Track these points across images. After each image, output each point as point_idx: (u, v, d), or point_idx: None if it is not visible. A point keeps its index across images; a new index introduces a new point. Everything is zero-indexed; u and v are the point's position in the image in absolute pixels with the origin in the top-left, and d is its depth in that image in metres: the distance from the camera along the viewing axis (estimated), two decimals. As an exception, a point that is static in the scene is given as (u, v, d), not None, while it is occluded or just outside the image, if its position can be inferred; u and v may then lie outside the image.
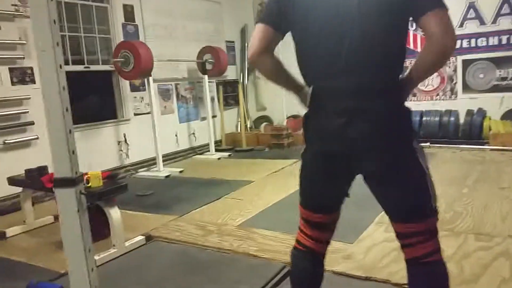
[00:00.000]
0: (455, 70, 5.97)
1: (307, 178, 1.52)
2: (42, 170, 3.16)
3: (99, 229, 2.83)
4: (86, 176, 2.74)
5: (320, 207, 1.53)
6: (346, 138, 1.31)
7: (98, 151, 5.03)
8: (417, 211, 1.35)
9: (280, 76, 1.52)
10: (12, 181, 3.23)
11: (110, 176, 3.03)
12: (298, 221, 1.63)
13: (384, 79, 1.30)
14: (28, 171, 3.15)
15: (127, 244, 2.84)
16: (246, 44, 7.51)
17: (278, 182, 4.38)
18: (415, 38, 6.10)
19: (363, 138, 1.30)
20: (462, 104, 5.91)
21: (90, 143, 4.95)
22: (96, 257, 2.63)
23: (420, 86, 6.17)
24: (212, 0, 6.90)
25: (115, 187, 2.84)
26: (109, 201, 2.76)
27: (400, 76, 1.34)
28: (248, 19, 7.51)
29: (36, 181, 3.01)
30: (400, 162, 1.32)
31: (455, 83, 6.01)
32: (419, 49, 6.09)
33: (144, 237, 2.97)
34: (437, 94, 6.13)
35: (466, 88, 5.94)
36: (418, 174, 1.34)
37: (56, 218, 3.47)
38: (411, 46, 6.14)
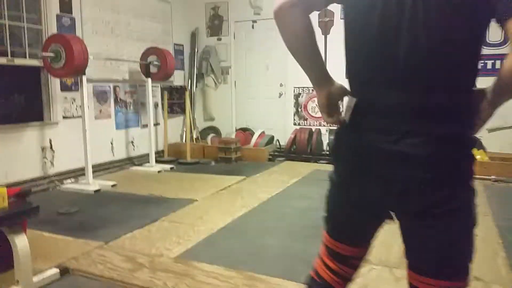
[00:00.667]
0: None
1: (335, 203, 1.27)
2: None
3: (4, 257, 2.26)
4: (-16, 195, 2.17)
5: (348, 237, 1.27)
6: (391, 164, 1.02)
7: (17, 157, 4.34)
8: (456, 266, 1.06)
9: (309, 46, 1.11)
10: None
11: (20, 194, 2.45)
12: (319, 250, 1.37)
13: (451, 97, 0.99)
14: None
15: (35, 279, 2.28)
16: (196, 50, 7.08)
17: (224, 202, 3.97)
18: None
19: (414, 167, 0.99)
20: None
21: (9, 148, 4.26)
22: (-10, 299, 2.07)
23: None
24: (162, -1, 6.41)
25: (23, 209, 2.28)
26: (14, 227, 2.20)
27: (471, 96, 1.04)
28: (199, 22, 7.11)
29: None
30: (455, 203, 1.02)
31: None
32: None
33: (58, 270, 2.43)
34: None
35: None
36: (470, 222, 1.06)
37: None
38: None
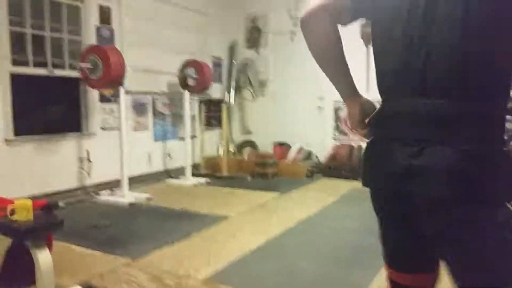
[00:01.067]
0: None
1: (381, 226, 1.14)
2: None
3: (27, 271, 2.17)
4: (10, 205, 2.10)
5: (406, 263, 1.11)
6: (420, 178, 0.93)
7: (55, 168, 4.37)
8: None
9: (336, 56, 1.11)
10: None
11: (47, 206, 2.38)
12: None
13: (486, 106, 0.91)
14: None
15: (57, 298, 2.18)
16: (234, 62, 7.00)
17: (259, 220, 3.77)
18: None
19: (445, 183, 0.90)
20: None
21: (46, 158, 4.29)
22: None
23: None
24: (201, 11, 6.40)
25: (48, 223, 2.19)
26: (37, 241, 2.11)
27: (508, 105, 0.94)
28: (238, 35, 7.03)
29: None
30: (494, 225, 0.90)
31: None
32: None
33: (83, 287, 2.31)
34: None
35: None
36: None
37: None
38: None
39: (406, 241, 1.07)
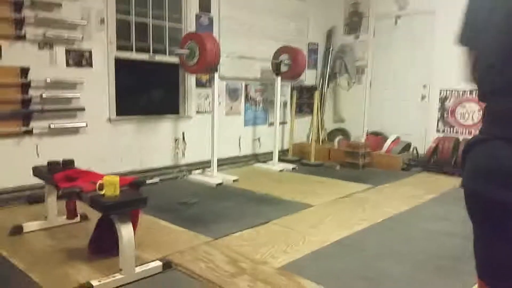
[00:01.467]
0: None
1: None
2: (67, 164, 2.77)
3: (113, 243, 2.34)
4: (99, 181, 2.26)
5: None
6: None
7: (152, 147, 4.66)
8: None
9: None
10: (36, 171, 2.88)
11: (134, 183, 2.52)
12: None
13: None
14: (49, 164, 2.78)
15: (138, 269, 2.30)
16: (331, 48, 6.75)
17: (343, 212, 3.60)
18: None
19: None
20: None
21: (145, 137, 4.60)
22: (96, 282, 2.13)
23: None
24: (298, -4, 6.25)
25: (132, 199, 2.32)
26: (121, 216, 2.24)
27: None
28: (337, 20, 6.75)
29: (51, 177, 2.61)
30: None
31: None
32: None
33: (161, 263, 2.42)
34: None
35: None
36: None
37: (83, 217, 3.09)
38: None
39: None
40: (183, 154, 5.00)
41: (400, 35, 6.15)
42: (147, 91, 4.88)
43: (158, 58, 4.68)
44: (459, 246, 2.86)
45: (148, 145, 4.62)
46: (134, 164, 4.46)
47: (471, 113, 5.53)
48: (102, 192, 2.24)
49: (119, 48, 4.25)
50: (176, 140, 4.92)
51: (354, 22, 6.64)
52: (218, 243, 2.83)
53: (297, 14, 6.29)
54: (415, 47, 5.96)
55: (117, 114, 4.27)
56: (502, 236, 0.90)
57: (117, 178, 2.29)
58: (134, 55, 4.43)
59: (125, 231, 2.22)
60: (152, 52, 4.62)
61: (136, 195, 2.36)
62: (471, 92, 5.47)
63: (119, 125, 4.34)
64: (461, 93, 5.57)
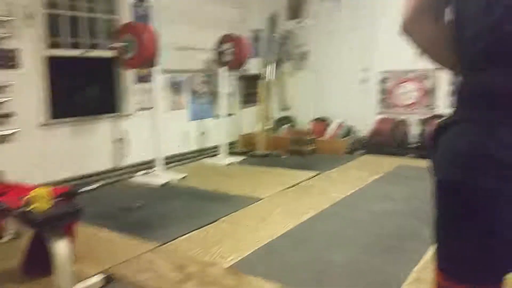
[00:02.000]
0: None
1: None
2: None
3: (47, 261, 2.17)
4: (27, 197, 2.08)
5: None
6: None
7: (90, 150, 4.43)
8: None
9: (442, 50, 0.99)
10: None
11: (67, 194, 2.35)
12: None
13: None
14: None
15: (77, 287, 2.16)
16: (274, 35, 6.71)
17: (291, 202, 3.61)
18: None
19: None
20: None
21: (82, 140, 4.35)
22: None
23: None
24: (236, -17, 6.13)
25: (65, 212, 2.16)
26: (54, 231, 2.09)
27: None
28: (278, 5, 6.68)
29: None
30: None
31: None
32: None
33: (103, 277, 2.29)
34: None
35: None
36: None
37: (15, 235, 2.86)
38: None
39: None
40: (125, 155, 4.79)
41: (342, 18, 6.21)
42: (84, 90, 4.61)
43: (94, 53, 4.42)
44: (403, 224, 2.97)
45: (87, 149, 4.38)
46: (73, 170, 4.21)
47: (410, 93, 5.74)
48: (32, 207, 2.06)
49: (51, 45, 3.95)
50: (116, 140, 4.70)
51: (296, 7, 6.62)
52: (165, 248, 2.73)
53: (238, 0, 6.17)
54: (356, 30, 6.05)
55: (51, 118, 4.00)
56: (484, 230, 0.83)
57: (47, 190, 2.12)
58: (67, 52, 4.14)
59: (59, 247, 2.07)
60: (87, 48, 4.34)
61: (70, 207, 2.20)
62: (409, 72, 5.66)
63: (55, 129, 4.07)
64: (400, 74, 5.75)
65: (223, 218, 3.24)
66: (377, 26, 5.79)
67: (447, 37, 0.94)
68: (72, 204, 2.26)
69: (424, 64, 5.70)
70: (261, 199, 3.70)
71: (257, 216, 3.28)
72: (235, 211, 3.39)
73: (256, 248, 2.68)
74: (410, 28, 0.99)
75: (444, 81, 5.38)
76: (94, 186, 4.21)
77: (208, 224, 3.11)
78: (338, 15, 6.21)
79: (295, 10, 6.63)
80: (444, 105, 5.43)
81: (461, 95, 0.89)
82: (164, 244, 2.78)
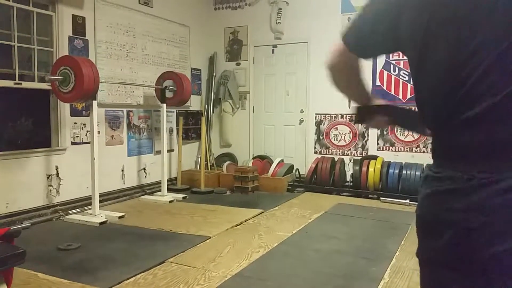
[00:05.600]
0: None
1: None
2: None
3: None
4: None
5: None
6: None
7: (20, 185, 4.08)
8: None
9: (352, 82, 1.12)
10: None
11: (7, 235, 2.13)
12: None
13: None
14: None
15: None
16: (213, 74, 6.84)
17: (240, 241, 3.58)
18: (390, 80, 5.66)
19: None
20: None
21: (12, 175, 4.00)
22: None
23: (400, 135, 5.70)
24: (180, 22, 6.23)
25: (7, 255, 1.95)
26: (-8, 278, 1.87)
27: None
28: (218, 47, 6.89)
29: None
30: None
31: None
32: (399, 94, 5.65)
33: (44, 328, 2.07)
34: (417, 146, 5.65)
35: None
36: None
37: None
38: (392, 91, 5.69)
39: None
40: (58, 192, 4.47)
41: (278, 63, 6.53)
42: (14, 122, 4.29)
43: (26, 84, 4.16)
44: (349, 263, 3.07)
45: (16, 184, 4.03)
46: (0, 207, 3.83)
47: (343, 135, 6.09)
48: (-36, 253, 1.84)
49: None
50: (48, 176, 4.38)
51: (235, 49, 6.85)
52: (110, 293, 2.55)
53: (179, 39, 6.25)
54: (292, 74, 6.39)
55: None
56: None
57: (-17, 234, 1.91)
58: (-4, 82, 3.86)
59: (-3, 298, 1.85)
60: (19, 79, 4.08)
61: (12, 250, 1.99)
62: (342, 116, 6.03)
63: (-22, 163, 3.70)
64: (333, 116, 6.10)
65: (170, 259, 3.11)
66: (308, 71, 6.17)
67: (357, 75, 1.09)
68: (14, 247, 2.05)
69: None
70: (208, 238, 3.62)
71: (207, 256, 3.20)
72: (183, 251, 3.28)
73: (209, 290, 2.61)
74: (331, 68, 1.09)
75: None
76: (27, 224, 3.83)
77: (155, 266, 2.97)
78: (274, 59, 6.53)
79: (234, 52, 6.84)
80: (374, 147, 5.85)
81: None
82: (109, 288, 2.60)
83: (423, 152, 5.58)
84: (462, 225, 0.80)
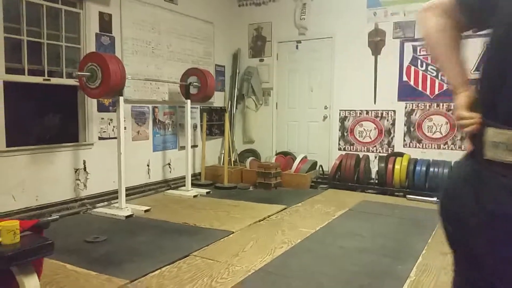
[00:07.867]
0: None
1: None
2: None
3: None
4: (-6, 228, 1.92)
5: None
6: None
7: (50, 179, 4.19)
8: None
9: (445, 44, 1.12)
10: None
11: (37, 226, 2.19)
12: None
13: None
14: None
15: (44, 329, 1.98)
16: (237, 71, 6.85)
17: (263, 236, 3.58)
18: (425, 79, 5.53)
19: None
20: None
21: (41, 169, 4.11)
22: None
23: (427, 132, 5.56)
24: (204, 19, 6.26)
25: (37, 246, 2.00)
26: (24, 267, 1.92)
27: None
28: (242, 43, 6.89)
29: None
30: None
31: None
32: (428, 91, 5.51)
33: (72, 317, 2.12)
34: (445, 143, 5.50)
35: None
36: None
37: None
38: (420, 87, 5.56)
39: None
40: (85, 185, 4.57)
41: (302, 59, 6.48)
42: (43, 117, 4.41)
43: (55, 80, 4.26)
44: (375, 262, 3.01)
45: (45, 178, 4.14)
46: (29, 200, 3.96)
47: (368, 131, 5.99)
48: (-2, 242, 1.90)
49: (8, 70, 3.77)
50: (76, 170, 4.49)
51: (258, 45, 6.84)
52: (134, 286, 2.59)
53: (203, 36, 6.28)
54: (316, 70, 6.33)
55: (6, 145, 3.76)
56: None
57: (16, 223, 1.97)
58: (26, 78, 3.97)
59: (29, 285, 1.90)
60: (48, 75, 4.19)
61: (41, 241, 2.05)
62: (367, 112, 5.94)
63: (9, 157, 3.82)
64: (358, 112, 6.01)
65: (195, 253, 3.14)
66: (333, 67, 6.09)
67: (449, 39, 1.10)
68: (43, 238, 2.11)
69: (380, 105, 6.13)
70: (232, 233, 3.63)
71: (230, 251, 3.20)
72: (207, 245, 3.30)
73: (233, 284, 2.61)
74: (421, 18, 1.14)
75: (400, 121, 5.70)
76: (55, 216, 3.94)
77: (180, 259, 3.00)
78: (298, 55, 6.48)
79: (257, 48, 6.83)
80: (400, 144, 5.73)
81: None
82: (134, 280, 2.64)
83: (451, 149, 5.43)
84: None
